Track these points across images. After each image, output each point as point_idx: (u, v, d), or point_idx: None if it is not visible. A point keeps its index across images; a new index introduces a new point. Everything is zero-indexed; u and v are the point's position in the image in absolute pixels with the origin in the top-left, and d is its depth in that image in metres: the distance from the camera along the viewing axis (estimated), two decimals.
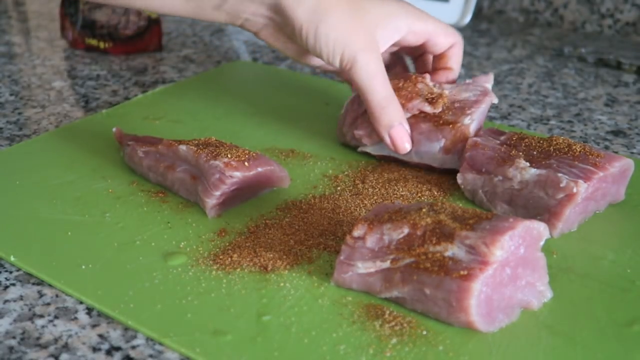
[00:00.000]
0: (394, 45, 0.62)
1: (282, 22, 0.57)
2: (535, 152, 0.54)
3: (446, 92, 0.60)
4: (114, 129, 0.63)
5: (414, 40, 0.61)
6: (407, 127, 0.58)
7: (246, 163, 0.53)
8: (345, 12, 0.55)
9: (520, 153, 0.54)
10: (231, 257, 0.48)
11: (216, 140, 0.58)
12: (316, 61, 0.61)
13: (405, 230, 0.44)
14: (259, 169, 0.54)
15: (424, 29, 0.61)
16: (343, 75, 0.63)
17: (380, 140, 0.60)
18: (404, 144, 0.58)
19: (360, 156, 0.65)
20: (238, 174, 0.52)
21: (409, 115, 0.59)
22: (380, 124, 0.58)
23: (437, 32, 0.61)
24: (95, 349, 0.41)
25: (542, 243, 0.44)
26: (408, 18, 0.59)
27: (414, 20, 0.60)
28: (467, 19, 1.00)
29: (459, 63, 0.64)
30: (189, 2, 0.57)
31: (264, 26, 0.58)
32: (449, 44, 0.63)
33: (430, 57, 0.66)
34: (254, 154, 0.55)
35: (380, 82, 0.57)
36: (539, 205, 0.52)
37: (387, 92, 0.57)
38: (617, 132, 0.73)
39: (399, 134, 0.57)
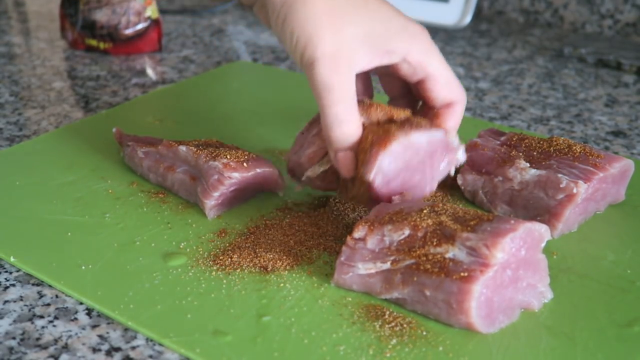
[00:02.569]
0: (387, 72, 0.54)
1: (264, 1, 0.51)
2: (535, 153, 0.54)
3: None
4: (114, 130, 0.63)
5: (409, 73, 0.52)
6: (355, 152, 0.49)
7: (245, 164, 0.53)
8: (322, 12, 0.48)
9: (521, 154, 0.54)
10: (231, 257, 0.48)
11: (217, 141, 0.58)
12: None
13: (406, 232, 0.44)
14: (258, 170, 0.54)
15: (424, 65, 0.51)
16: None
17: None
18: (349, 171, 0.49)
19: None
20: (237, 175, 0.52)
21: None
22: (329, 140, 0.49)
23: (439, 75, 0.52)
24: (95, 350, 0.41)
25: (543, 245, 0.44)
26: (409, 46, 0.50)
27: (416, 51, 0.51)
28: (467, 19, 1.00)
29: (455, 128, 0.53)
30: None
31: (255, 1, 0.53)
32: (448, 98, 0.52)
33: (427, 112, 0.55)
34: (253, 156, 0.55)
35: (338, 98, 0.48)
36: (539, 206, 0.52)
37: (346, 112, 0.49)
38: (617, 133, 0.73)
39: (346, 159, 0.49)
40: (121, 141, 0.62)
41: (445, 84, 0.52)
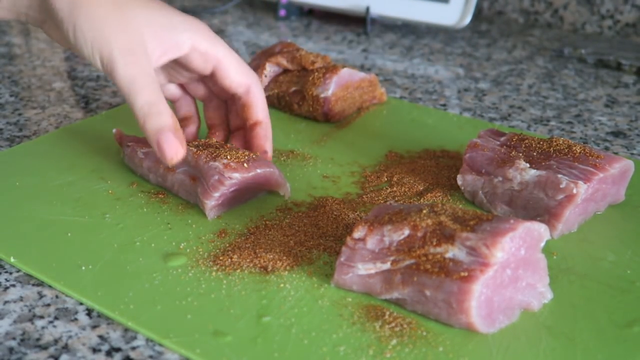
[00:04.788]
0: (180, 66, 0.58)
1: (51, 17, 0.51)
2: (535, 153, 0.54)
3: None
4: (114, 130, 0.63)
5: (201, 63, 0.56)
6: (179, 135, 0.50)
7: (245, 164, 0.53)
8: (108, 11, 0.50)
9: (520, 154, 0.54)
10: (231, 258, 0.48)
11: (217, 141, 0.58)
12: None
13: (406, 232, 0.44)
14: (258, 171, 0.54)
15: (212, 52, 0.55)
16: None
17: None
18: (174, 154, 0.50)
19: (359, 157, 0.65)
20: (237, 175, 0.52)
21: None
22: (147, 132, 0.50)
23: (229, 62, 0.57)
24: (95, 350, 0.41)
25: (542, 244, 0.44)
26: (194, 35, 0.54)
27: (201, 39, 0.55)
28: (467, 19, 1.00)
29: (266, 110, 0.59)
30: None
31: (44, 21, 0.53)
32: (243, 83, 0.58)
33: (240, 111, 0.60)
34: (253, 156, 0.55)
35: (142, 86, 0.50)
36: (539, 206, 0.52)
37: (154, 97, 0.50)
38: (617, 133, 0.73)
39: (168, 141, 0.49)
40: (121, 142, 0.62)
41: (237, 68, 0.57)
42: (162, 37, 0.52)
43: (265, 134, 0.59)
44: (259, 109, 0.59)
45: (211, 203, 0.53)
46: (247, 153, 0.55)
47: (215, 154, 0.54)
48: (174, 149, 0.50)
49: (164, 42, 0.53)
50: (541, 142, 0.55)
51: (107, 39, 0.50)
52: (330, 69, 0.71)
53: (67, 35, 0.51)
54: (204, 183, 0.53)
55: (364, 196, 0.57)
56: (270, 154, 0.59)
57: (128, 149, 0.60)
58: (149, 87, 0.50)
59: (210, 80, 0.60)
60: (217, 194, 0.52)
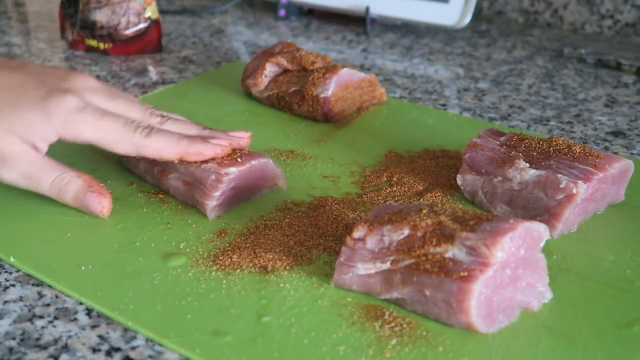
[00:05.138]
0: None
1: None
2: (535, 153, 0.54)
3: None
4: None
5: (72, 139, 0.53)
6: (97, 188, 0.53)
7: (239, 159, 0.53)
8: None
9: (520, 154, 0.54)
10: (231, 258, 0.48)
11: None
12: None
13: (406, 232, 0.44)
14: (253, 162, 0.54)
15: (79, 134, 0.52)
16: None
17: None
18: (101, 208, 0.52)
19: (359, 157, 0.65)
20: (234, 170, 0.52)
21: None
22: (70, 204, 0.53)
23: (100, 136, 0.53)
24: (95, 350, 0.41)
25: (542, 244, 0.44)
26: (52, 125, 0.51)
27: (71, 124, 0.52)
28: (467, 20, 1.00)
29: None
30: None
31: None
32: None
33: None
34: (245, 152, 0.55)
35: (38, 174, 0.51)
36: (539, 206, 0.52)
37: (53, 175, 0.52)
38: (617, 133, 0.73)
39: (90, 202, 0.52)
40: None
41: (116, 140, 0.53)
42: (30, 125, 0.51)
43: None
44: None
45: (212, 204, 0.52)
46: (237, 151, 0.55)
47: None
48: (98, 205, 0.52)
49: (28, 128, 0.51)
50: (541, 142, 0.55)
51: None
52: (331, 69, 0.71)
53: None
54: (201, 187, 0.53)
55: (364, 196, 0.57)
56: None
57: None
58: (42, 171, 0.51)
59: None
60: (217, 194, 0.52)
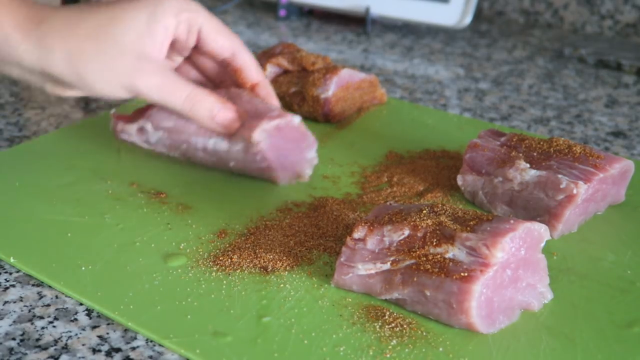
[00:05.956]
0: (177, 48, 0.58)
1: (55, 79, 0.53)
2: (535, 154, 0.54)
3: None
4: (112, 114, 0.62)
5: (185, 34, 0.55)
6: (228, 105, 0.55)
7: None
8: (93, 46, 0.51)
9: (521, 154, 0.54)
10: (231, 258, 0.48)
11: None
12: None
13: (406, 232, 0.44)
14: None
15: (194, 19, 0.55)
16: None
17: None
18: (233, 123, 0.55)
19: (359, 157, 0.65)
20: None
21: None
22: (201, 121, 0.54)
23: (210, 27, 0.56)
24: (95, 350, 0.41)
25: (542, 245, 0.44)
26: (174, 10, 0.53)
27: (180, 11, 0.54)
28: (468, 20, 1.00)
29: (259, 70, 0.59)
30: None
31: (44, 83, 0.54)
32: (227, 46, 0.57)
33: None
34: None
35: (173, 89, 0.53)
36: (539, 207, 0.52)
37: (187, 90, 0.53)
38: (617, 134, 0.73)
39: (224, 118, 0.54)
40: (131, 120, 0.61)
41: (219, 31, 0.56)
42: (152, 31, 0.52)
43: (267, 92, 0.59)
44: (252, 71, 0.59)
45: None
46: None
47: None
48: (233, 118, 0.55)
49: (155, 35, 0.52)
50: (541, 143, 0.55)
51: (116, 73, 0.51)
52: (331, 69, 0.71)
53: (82, 90, 0.52)
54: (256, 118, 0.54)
55: (364, 196, 0.57)
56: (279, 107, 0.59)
57: (135, 125, 0.59)
58: (179, 84, 0.53)
59: (197, 56, 0.60)
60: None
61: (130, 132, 0.60)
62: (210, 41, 0.56)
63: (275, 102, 0.60)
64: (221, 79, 0.61)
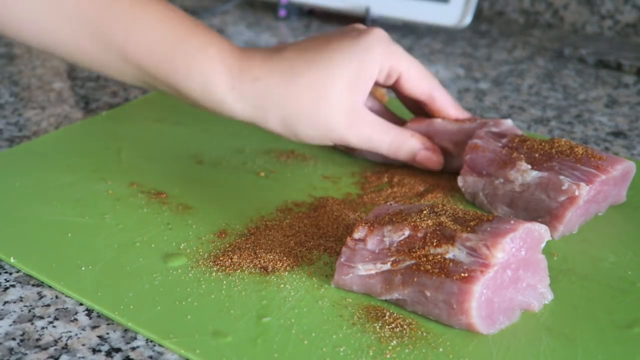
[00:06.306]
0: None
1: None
2: (536, 155, 0.54)
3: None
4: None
5: (384, 78, 0.57)
6: (428, 145, 0.58)
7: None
8: (307, 110, 0.52)
9: (522, 155, 0.54)
10: (231, 258, 0.48)
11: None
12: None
13: (406, 232, 0.43)
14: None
15: (395, 66, 0.56)
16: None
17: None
18: (435, 164, 0.59)
19: (360, 158, 0.64)
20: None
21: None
22: (405, 161, 0.58)
23: (411, 73, 0.57)
24: (95, 351, 0.41)
25: (543, 245, 0.44)
26: (379, 59, 0.55)
27: (385, 60, 0.55)
28: (468, 20, 1.00)
29: (455, 105, 0.60)
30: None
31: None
32: (426, 91, 0.58)
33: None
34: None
35: (380, 137, 0.56)
36: (540, 208, 0.52)
37: (391, 136, 0.56)
38: (617, 134, 0.73)
39: (424, 158, 0.58)
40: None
41: (419, 76, 0.57)
42: (361, 85, 0.54)
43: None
44: (450, 111, 0.60)
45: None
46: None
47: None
48: (434, 158, 0.59)
49: (363, 89, 0.54)
50: (543, 144, 0.55)
51: (327, 130, 0.54)
52: None
53: (291, 140, 0.55)
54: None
55: (364, 197, 0.57)
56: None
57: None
58: (384, 130, 0.56)
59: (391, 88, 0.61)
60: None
61: None
62: (410, 87, 0.58)
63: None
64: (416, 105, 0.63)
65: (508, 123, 0.58)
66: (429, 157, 0.58)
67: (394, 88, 0.59)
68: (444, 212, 0.45)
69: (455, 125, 0.59)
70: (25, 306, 0.44)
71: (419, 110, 0.62)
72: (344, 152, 0.65)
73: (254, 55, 0.53)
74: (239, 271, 0.47)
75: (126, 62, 0.51)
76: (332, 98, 0.52)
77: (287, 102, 0.52)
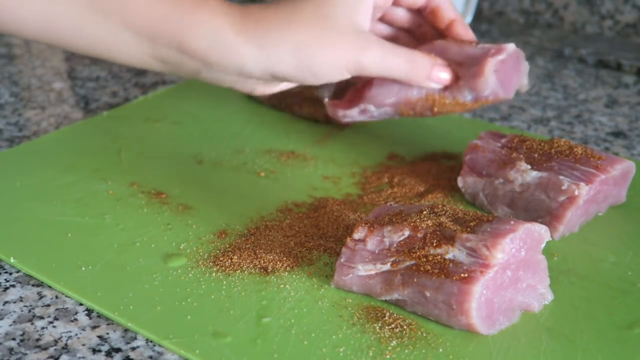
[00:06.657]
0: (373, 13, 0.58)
1: (277, 78, 0.54)
2: (536, 155, 0.54)
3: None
4: (326, 102, 0.61)
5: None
6: (439, 61, 0.56)
7: None
8: (315, 35, 0.51)
9: (522, 155, 0.54)
10: (231, 258, 0.48)
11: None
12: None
13: (406, 233, 0.43)
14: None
15: None
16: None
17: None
18: (447, 78, 0.56)
19: (360, 158, 0.65)
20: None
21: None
22: (420, 82, 0.55)
23: None
24: (95, 351, 0.41)
25: (543, 246, 0.44)
26: None
27: None
28: (468, 20, 1.00)
29: (453, 6, 0.59)
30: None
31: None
32: (452, 14, 0.58)
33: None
34: None
35: (393, 57, 0.53)
36: (540, 208, 0.52)
37: (403, 56, 0.54)
38: (617, 134, 0.73)
39: (437, 74, 0.55)
40: (349, 105, 0.60)
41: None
42: (360, 3, 0.52)
43: (464, 28, 0.59)
44: (447, 10, 0.58)
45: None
46: None
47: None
48: (445, 72, 0.55)
49: (363, 7, 0.53)
50: (542, 144, 0.55)
51: (342, 58, 0.51)
52: None
53: (304, 82, 0.53)
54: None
55: (364, 197, 0.57)
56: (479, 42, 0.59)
57: (356, 109, 0.59)
58: (396, 53, 0.53)
59: (391, 10, 0.60)
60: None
61: (353, 114, 0.59)
62: (439, 10, 0.57)
63: (473, 37, 0.59)
64: (418, 28, 0.61)
65: (511, 47, 0.57)
66: (444, 69, 0.55)
67: (394, 12, 0.59)
68: (443, 212, 0.45)
69: (456, 46, 0.58)
70: (25, 306, 0.44)
71: (416, 26, 0.61)
72: (345, 151, 0.65)
73: (251, 5, 0.52)
74: (238, 271, 0.47)
75: (126, 29, 0.50)
76: (337, 21, 0.51)
77: (294, 32, 0.51)
